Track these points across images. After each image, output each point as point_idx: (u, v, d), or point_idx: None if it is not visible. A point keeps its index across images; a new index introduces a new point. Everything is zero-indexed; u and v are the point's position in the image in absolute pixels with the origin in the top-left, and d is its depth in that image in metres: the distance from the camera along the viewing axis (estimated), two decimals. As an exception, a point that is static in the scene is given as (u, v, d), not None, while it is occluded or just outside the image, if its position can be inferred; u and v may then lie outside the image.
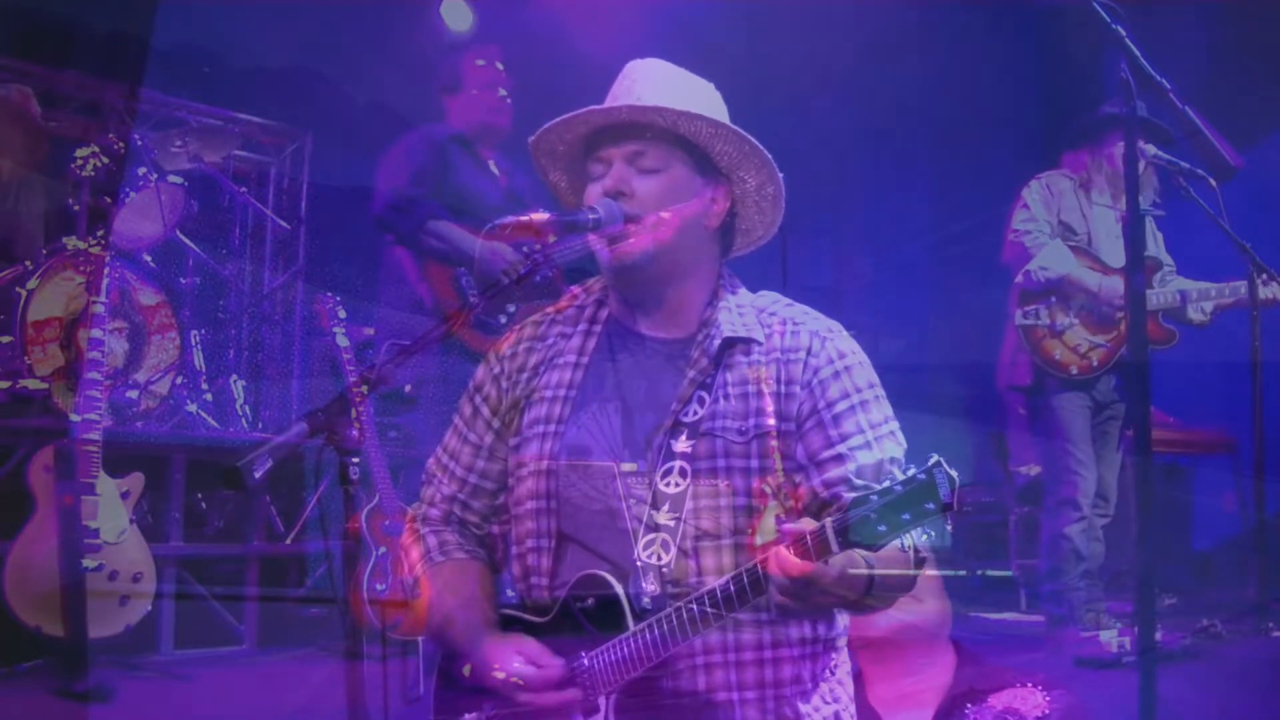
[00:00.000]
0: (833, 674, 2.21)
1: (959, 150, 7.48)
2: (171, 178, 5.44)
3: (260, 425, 6.04)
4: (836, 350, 2.19)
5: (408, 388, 4.94)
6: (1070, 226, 4.90)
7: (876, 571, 1.95)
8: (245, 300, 6.76)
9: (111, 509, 4.19)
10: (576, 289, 2.40)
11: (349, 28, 6.14)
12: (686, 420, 2.15)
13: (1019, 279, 4.83)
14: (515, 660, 2.10)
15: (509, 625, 2.22)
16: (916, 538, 2.07)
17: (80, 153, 4.93)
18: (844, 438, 2.13)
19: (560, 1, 5.93)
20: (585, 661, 2.09)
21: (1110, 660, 4.16)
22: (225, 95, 6.48)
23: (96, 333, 4.34)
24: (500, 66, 4.92)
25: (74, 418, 4.16)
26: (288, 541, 5.23)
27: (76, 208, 4.99)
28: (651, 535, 2.10)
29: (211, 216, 6.43)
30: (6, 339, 4.65)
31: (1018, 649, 4.59)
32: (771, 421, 2.12)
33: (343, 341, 4.87)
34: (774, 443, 2.11)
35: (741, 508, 2.09)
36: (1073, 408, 4.79)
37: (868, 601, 1.99)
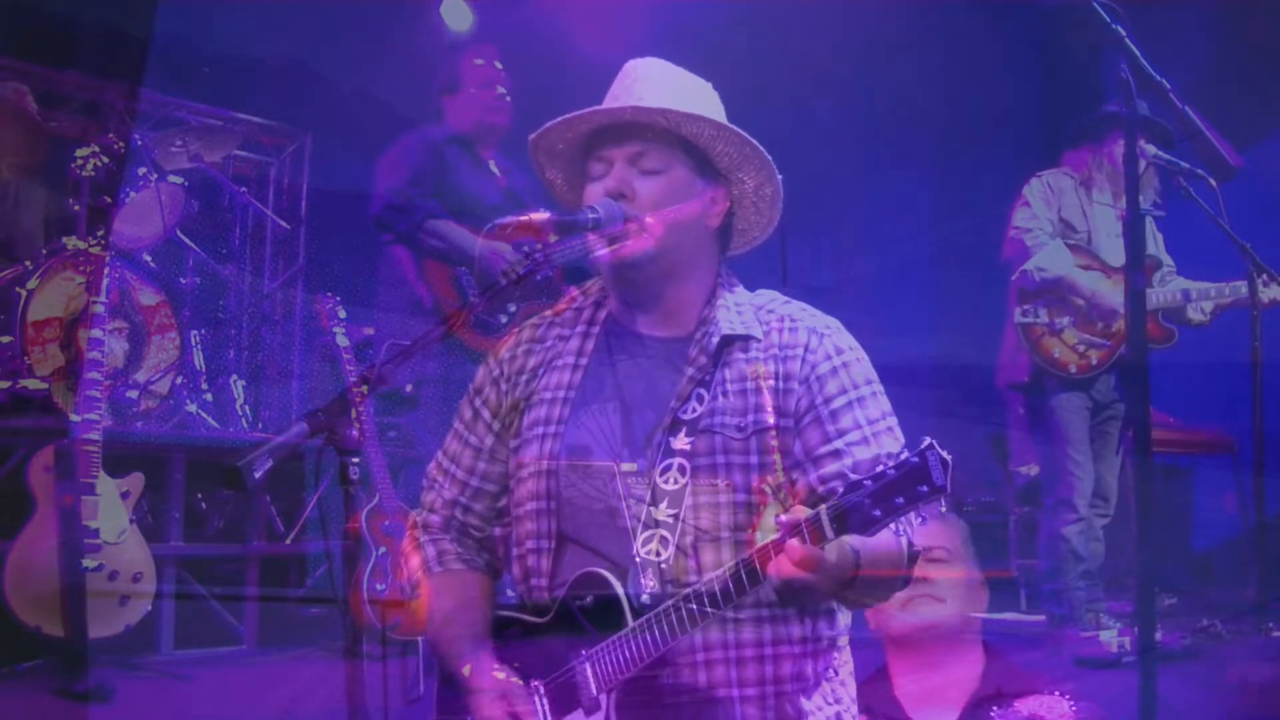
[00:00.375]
0: (835, 674, 2.21)
1: (959, 150, 7.47)
2: (171, 178, 5.45)
3: (260, 425, 6.04)
4: (834, 346, 2.20)
5: (408, 388, 4.94)
6: (1071, 224, 4.90)
7: (864, 567, 1.95)
8: (245, 300, 6.76)
9: (111, 509, 4.19)
10: (575, 291, 2.40)
11: (349, 28, 6.14)
12: (685, 418, 2.15)
13: (1015, 277, 4.83)
14: (498, 705, 2.10)
15: (509, 626, 2.23)
16: (911, 532, 2.07)
17: (80, 153, 4.93)
18: (841, 433, 2.13)
19: (560, 1, 5.93)
20: (585, 659, 2.09)
21: (1110, 660, 4.17)
22: (225, 95, 6.48)
23: (96, 333, 4.35)
24: (499, 65, 4.92)
25: (74, 418, 4.16)
26: (288, 541, 5.23)
27: (76, 208, 4.99)
28: (650, 532, 2.11)
29: (211, 216, 6.43)
30: (6, 339, 4.65)
31: (1018, 649, 4.59)
32: (770, 418, 2.12)
33: (343, 341, 4.87)
34: (773, 439, 2.11)
35: (741, 504, 2.10)
36: (1071, 409, 4.79)
37: (859, 594, 1.99)
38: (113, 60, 6.00)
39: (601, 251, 2.18)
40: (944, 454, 1.78)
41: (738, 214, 2.31)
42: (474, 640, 2.20)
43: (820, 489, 2.10)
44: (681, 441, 2.13)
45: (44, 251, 4.89)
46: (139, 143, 5.38)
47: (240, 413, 5.92)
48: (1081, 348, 4.75)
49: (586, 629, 2.11)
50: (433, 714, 2.28)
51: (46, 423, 4.49)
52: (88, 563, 4.05)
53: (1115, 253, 4.81)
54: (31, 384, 4.59)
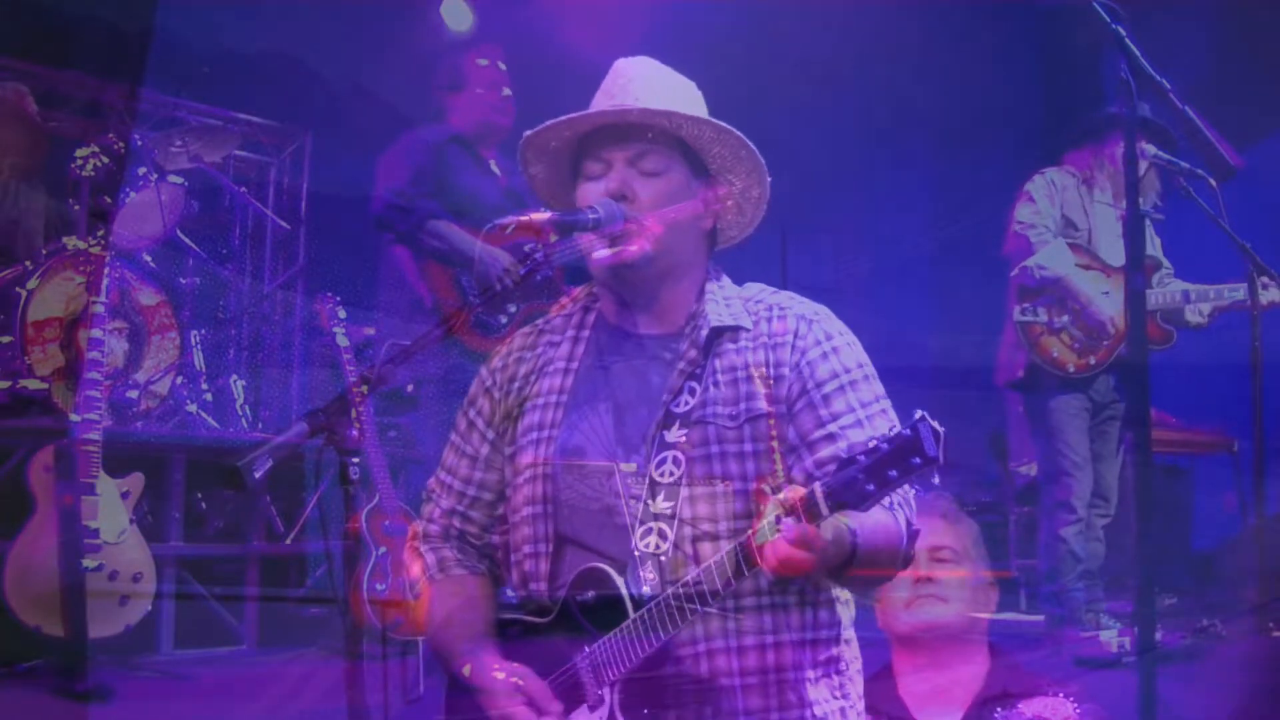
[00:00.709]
0: (843, 668, 2.20)
1: (959, 150, 7.47)
2: (171, 178, 5.45)
3: (260, 425, 6.04)
4: (823, 332, 2.20)
5: (409, 388, 4.94)
6: (1072, 222, 4.90)
7: (860, 545, 1.94)
8: (245, 300, 6.76)
9: (111, 509, 4.19)
10: (565, 299, 2.42)
11: (349, 28, 6.14)
12: (678, 411, 2.15)
13: (1015, 273, 4.83)
14: (514, 698, 2.09)
15: (511, 627, 2.23)
16: (909, 511, 2.08)
17: (80, 153, 4.93)
18: (834, 417, 2.13)
19: (559, 1, 5.92)
20: (587, 654, 2.09)
21: (1110, 660, 4.17)
22: (225, 95, 6.48)
23: (96, 333, 4.34)
24: (502, 66, 4.92)
25: (74, 418, 4.16)
26: (288, 541, 5.23)
27: (76, 208, 4.99)
28: (648, 526, 2.10)
29: (211, 216, 6.43)
30: (6, 339, 4.65)
31: (1018, 649, 4.59)
32: (762, 405, 2.13)
33: (343, 341, 4.87)
34: (771, 427, 2.11)
35: (738, 493, 2.10)
36: (1070, 410, 4.79)
37: (859, 575, 1.98)
38: (113, 60, 6.00)
39: (602, 252, 2.19)
40: (935, 425, 1.77)
41: (721, 214, 2.32)
42: (475, 641, 2.20)
43: (816, 473, 2.09)
44: (675, 435, 2.13)
45: (44, 251, 4.89)
46: (139, 143, 5.38)
47: (240, 413, 5.92)
48: (1080, 347, 4.75)
49: (588, 625, 2.11)
50: (441, 716, 2.28)
51: (46, 423, 4.50)
52: (88, 563, 4.05)
53: (1115, 252, 4.81)
54: (31, 384, 4.59)
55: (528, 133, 2.30)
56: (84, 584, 4.02)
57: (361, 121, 6.14)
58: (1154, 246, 4.96)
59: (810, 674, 2.13)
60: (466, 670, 2.19)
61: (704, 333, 2.20)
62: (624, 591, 2.07)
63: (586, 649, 2.10)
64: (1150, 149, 4.34)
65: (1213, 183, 4.24)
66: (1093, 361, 4.74)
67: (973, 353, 5.56)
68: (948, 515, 2.94)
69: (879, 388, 2.20)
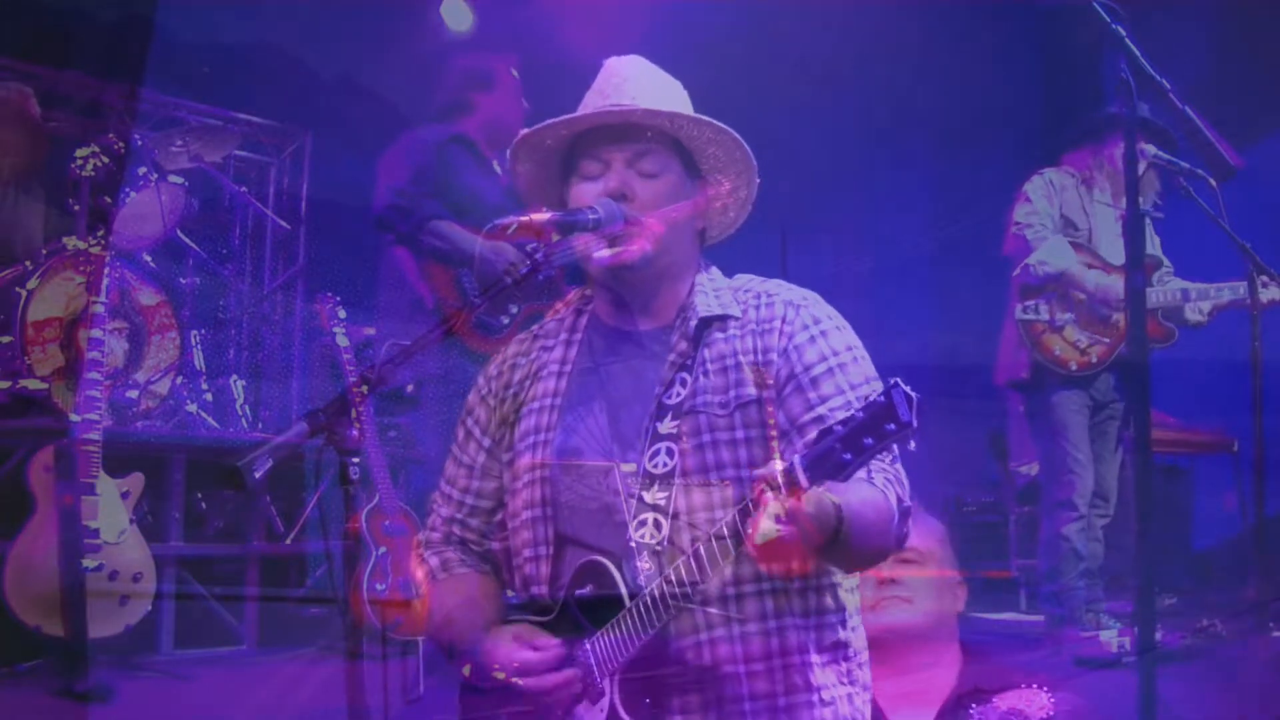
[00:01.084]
0: (849, 657, 2.19)
1: (959, 150, 7.47)
2: (171, 178, 5.44)
3: (260, 425, 6.04)
4: (811, 316, 2.21)
5: (409, 387, 4.94)
6: (1072, 222, 4.90)
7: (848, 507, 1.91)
8: (245, 300, 6.76)
9: (111, 509, 4.19)
10: (559, 304, 2.43)
11: (349, 27, 6.14)
12: (670, 402, 2.16)
13: (1017, 272, 4.83)
14: (513, 646, 2.12)
15: (515, 625, 2.22)
16: (901, 491, 2.07)
17: (80, 153, 4.92)
18: (823, 399, 2.13)
19: (559, 1, 5.92)
20: (587, 647, 2.10)
21: (1110, 660, 4.17)
22: (225, 95, 6.48)
23: (96, 333, 4.35)
24: (516, 75, 4.91)
25: (74, 418, 4.16)
26: (288, 541, 5.23)
27: (76, 208, 4.98)
28: (643, 517, 2.11)
29: (211, 216, 6.43)
30: (6, 339, 4.65)
31: (1018, 649, 4.59)
32: (751, 391, 2.13)
33: (343, 341, 4.87)
34: (760, 412, 2.11)
35: (731, 480, 2.10)
36: (1071, 407, 4.79)
37: (849, 552, 1.95)
38: (113, 60, 6.00)
39: (602, 253, 2.19)
40: (909, 391, 1.77)
41: (709, 214, 2.34)
42: (476, 640, 2.20)
43: None
44: (668, 426, 2.14)
45: (44, 251, 4.89)
46: (139, 143, 5.38)
47: (240, 413, 5.92)
48: (1082, 344, 4.75)
49: (588, 619, 2.11)
50: (457, 715, 2.29)
51: (46, 423, 4.49)
52: (88, 563, 4.05)
53: (1115, 251, 4.81)
54: (31, 384, 4.59)
55: (525, 130, 2.30)
56: (84, 584, 4.02)
57: (361, 121, 6.13)
58: (1154, 245, 4.95)
59: (816, 658, 2.13)
60: (466, 670, 2.20)
61: (693, 324, 2.22)
62: (620, 582, 2.08)
63: (586, 644, 2.10)
64: (1150, 149, 4.35)
65: (1213, 183, 4.24)
66: (1094, 359, 4.74)
67: (973, 352, 5.56)
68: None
69: (869, 369, 2.20)
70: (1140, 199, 2.76)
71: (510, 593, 2.31)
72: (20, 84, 5.35)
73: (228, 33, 5.98)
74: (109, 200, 4.93)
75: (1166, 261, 4.95)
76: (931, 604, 2.86)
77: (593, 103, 2.27)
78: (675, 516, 2.09)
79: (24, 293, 4.63)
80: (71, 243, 4.83)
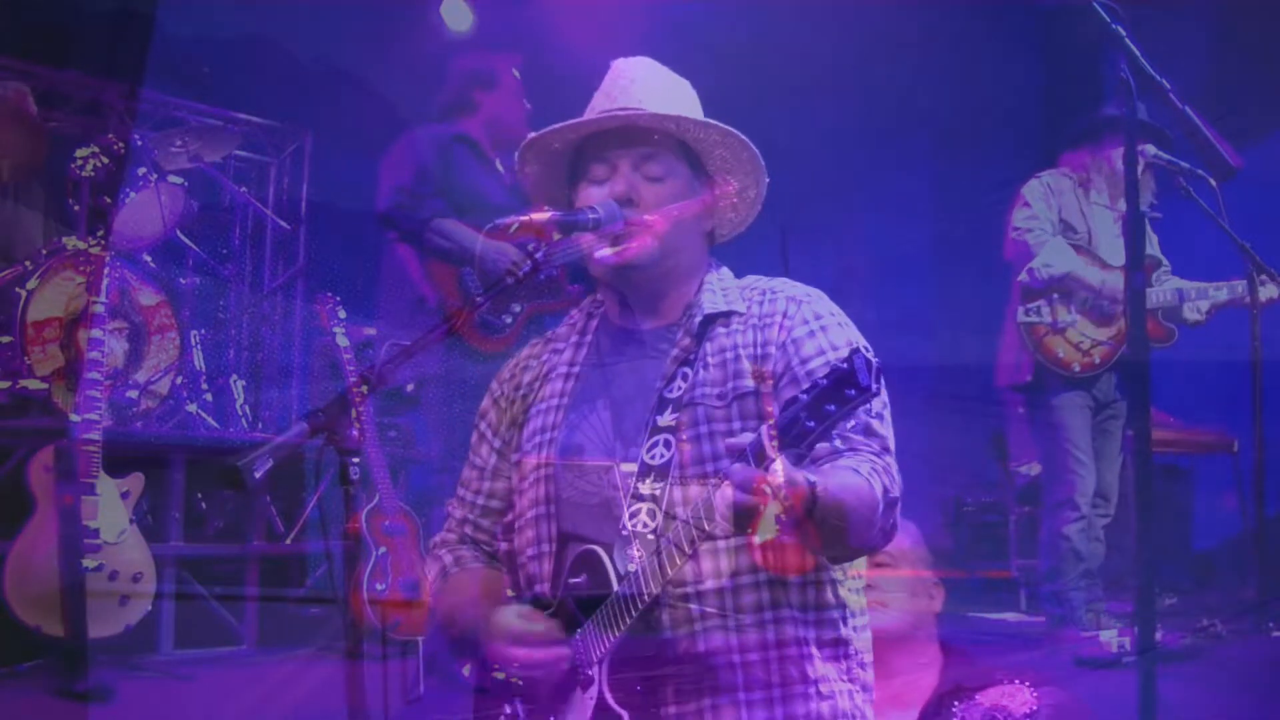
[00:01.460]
0: (849, 655, 2.19)
1: (959, 150, 7.47)
2: (171, 178, 5.44)
3: (260, 425, 6.04)
4: (812, 312, 2.22)
5: (409, 387, 4.94)
6: (1070, 225, 4.90)
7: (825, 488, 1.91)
8: (245, 300, 6.76)
9: (111, 509, 4.19)
10: (575, 312, 2.44)
11: (349, 27, 6.14)
12: (671, 396, 2.18)
13: (1023, 277, 4.83)
14: (511, 620, 2.14)
15: None
16: (890, 484, 2.05)
17: (80, 153, 4.93)
18: None
19: (559, 2, 5.92)
20: (578, 636, 2.11)
21: (1110, 660, 4.16)
22: (225, 95, 6.48)
23: (96, 333, 4.34)
24: (517, 75, 4.92)
25: (74, 418, 4.16)
26: (288, 541, 5.22)
27: (76, 208, 4.98)
28: (637, 506, 2.12)
29: (211, 216, 6.43)
30: (6, 339, 4.65)
31: (1018, 649, 4.59)
32: (749, 383, 2.14)
33: (343, 341, 4.87)
34: (764, 402, 2.11)
35: (725, 470, 2.10)
36: (1073, 407, 4.79)
37: (832, 534, 1.94)
38: (113, 60, 6.00)
39: (605, 252, 2.20)
40: (871, 356, 1.79)
41: (718, 213, 2.35)
42: (482, 628, 2.21)
43: None
44: (667, 419, 2.15)
45: (44, 251, 4.89)
46: (139, 143, 5.38)
47: (240, 413, 5.92)
48: (1085, 345, 4.75)
49: (581, 607, 2.12)
50: (455, 715, 2.30)
51: (46, 423, 4.49)
52: (88, 563, 4.05)
53: (1114, 253, 4.82)
54: (31, 384, 4.59)
55: (533, 134, 2.31)
56: (84, 584, 4.02)
57: (361, 121, 6.13)
58: (1152, 245, 4.95)
59: (815, 652, 2.12)
60: (466, 671, 2.21)
61: (697, 320, 2.23)
62: (611, 573, 2.08)
63: (578, 632, 2.11)
64: (1150, 149, 4.35)
65: (1213, 183, 4.24)
66: (1097, 360, 4.74)
67: (973, 352, 5.57)
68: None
69: None
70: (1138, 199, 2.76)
71: (510, 593, 2.31)
72: (18, 83, 5.35)
73: (228, 32, 5.98)
74: (109, 200, 4.94)
75: (1165, 261, 4.95)
76: (908, 605, 2.87)
77: (599, 105, 2.28)
78: (670, 506, 2.09)
79: (24, 293, 4.63)
80: (71, 243, 4.83)
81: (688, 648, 2.08)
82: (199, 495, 5.16)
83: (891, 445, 2.14)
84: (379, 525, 4.55)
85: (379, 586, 4.48)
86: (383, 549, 4.52)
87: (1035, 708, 2.67)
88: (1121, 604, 4.72)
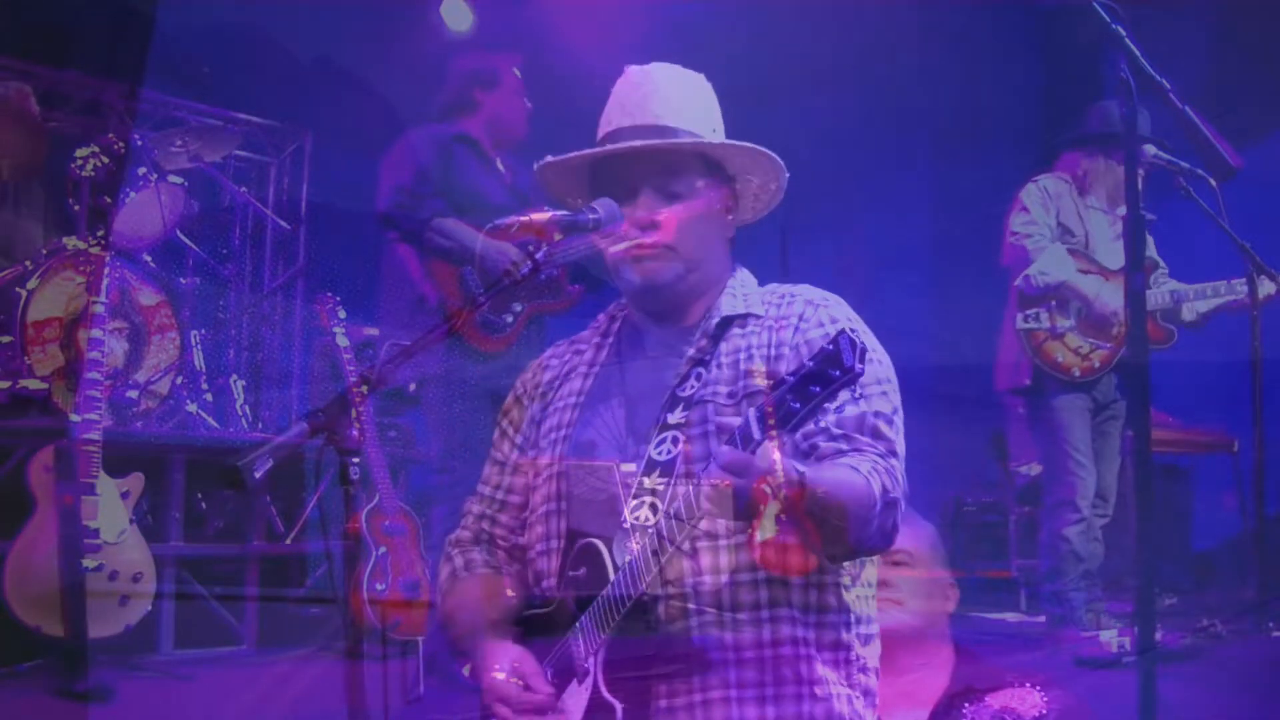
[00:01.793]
0: (851, 661, 2.18)
1: (959, 150, 7.47)
2: (171, 178, 5.44)
3: (260, 425, 6.04)
4: (829, 316, 2.22)
5: (410, 387, 4.94)
6: (1068, 228, 4.90)
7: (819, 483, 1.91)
8: (245, 300, 6.76)
9: (111, 509, 4.19)
10: (601, 315, 2.46)
11: (349, 27, 6.14)
12: (683, 394, 2.19)
13: (1018, 283, 4.84)
14: (507, 675, 2.14)
15: (529, 622, 2.26)
16: (890, 483, 2.04)
17: (80, 153, 4.92)
18: None
19: (559, 2, 5.92)
20: (575, 630, 2.12)
21: (1110, 660, 4.16)
22: (225, 95, 6.48)
23: (96, 333, 4.34)
24: (518, 74, 4.92)
25: (74, 418, 4.16)
26: (288, 541, 5.23)
27: (76, 208, 4.98)
28: (640, 499, 2.12)
29: (211, 216, 6.43)
30: (6, 339, 4.65)
31: (1018, 649, 4.59)
32: (759, 382, 2.13)
33: (343, 341, 4.88)
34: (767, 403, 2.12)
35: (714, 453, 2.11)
36: (1073, 409, 4.79)
37: (824, 528, 1.94)
38: (113, 60, 6.00)
39: (628, 273, 2.21)
40: (857, 339, 1.80)
41: (738, 208, 2.37)
42: (479, 642, 2.23)
43: (803, 445, 2.10)
44: (677, 416, 2.16)
45: (44, 251, 4.89)
46: (139, 143, 5.38)
47: (240, 413, 5.92)
48: (1084, 350, 4.75)
49: (583, 600, 2.13)
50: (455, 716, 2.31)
51: (46, 423, 4.49)
52: (88, 563, 4.05)
53: (1111, 256, 4.82)
54: (31, 384, 4.59)
55: (550, 159, 2.31)
56: (84, 584, 4.02)
57: (361, 121, 6.13)
58: (1149, 247, 4.95)
59: (812, 653, 2.12)
60: (466, 671, 2.21)
61: (714, 321, 2.25)
62: (609, 565, 2.09)
63: (576, 625, 2.12)
64: (1150, 149, 4.35)
65: (1213, 183, 4.24)
66: (1097, 364, 4.75)
67: (973, 353, 5.56)
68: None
69: (884, 371, 2.19)
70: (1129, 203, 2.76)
71: (511, 593, 2.32)
72: (19, 83, 5.35)
73: (228, 33, 5.98)
74: (109, 200, 4.93)
75: (1162, 263, 4.95)
76: (923, 605, 2.87)
77: (615, 119, 2.28)
78: (672, 501, 2.09)
79: (24, 293, 4.63)
80: (71, 243, 4.83)
81: (682, 642, 2.08)
82: (199, 495, 5.16)
83: (899, 449, 2.13)
84: (379, 525, 4.55)
85: (379, 586, 4.48)
86: (383, 549, 4.52)
87: (1044, 711, 2.67)
88: (1121, 604, 4.72)
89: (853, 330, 1.83)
